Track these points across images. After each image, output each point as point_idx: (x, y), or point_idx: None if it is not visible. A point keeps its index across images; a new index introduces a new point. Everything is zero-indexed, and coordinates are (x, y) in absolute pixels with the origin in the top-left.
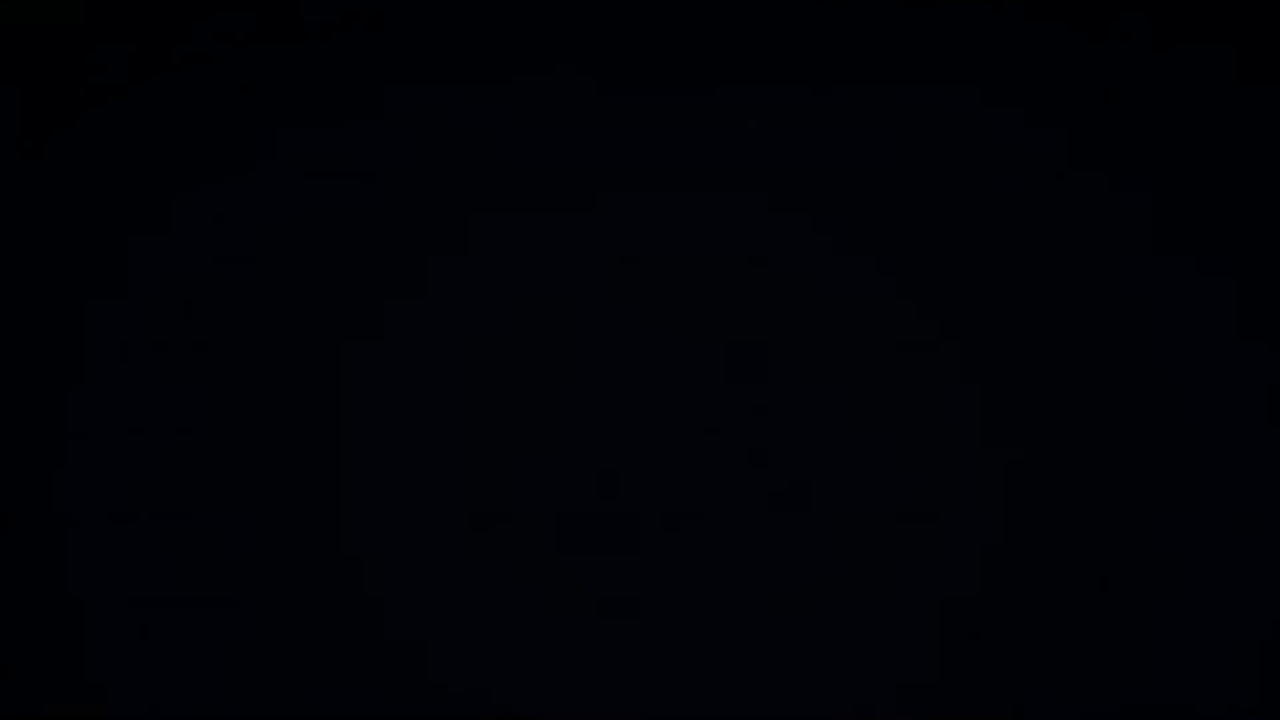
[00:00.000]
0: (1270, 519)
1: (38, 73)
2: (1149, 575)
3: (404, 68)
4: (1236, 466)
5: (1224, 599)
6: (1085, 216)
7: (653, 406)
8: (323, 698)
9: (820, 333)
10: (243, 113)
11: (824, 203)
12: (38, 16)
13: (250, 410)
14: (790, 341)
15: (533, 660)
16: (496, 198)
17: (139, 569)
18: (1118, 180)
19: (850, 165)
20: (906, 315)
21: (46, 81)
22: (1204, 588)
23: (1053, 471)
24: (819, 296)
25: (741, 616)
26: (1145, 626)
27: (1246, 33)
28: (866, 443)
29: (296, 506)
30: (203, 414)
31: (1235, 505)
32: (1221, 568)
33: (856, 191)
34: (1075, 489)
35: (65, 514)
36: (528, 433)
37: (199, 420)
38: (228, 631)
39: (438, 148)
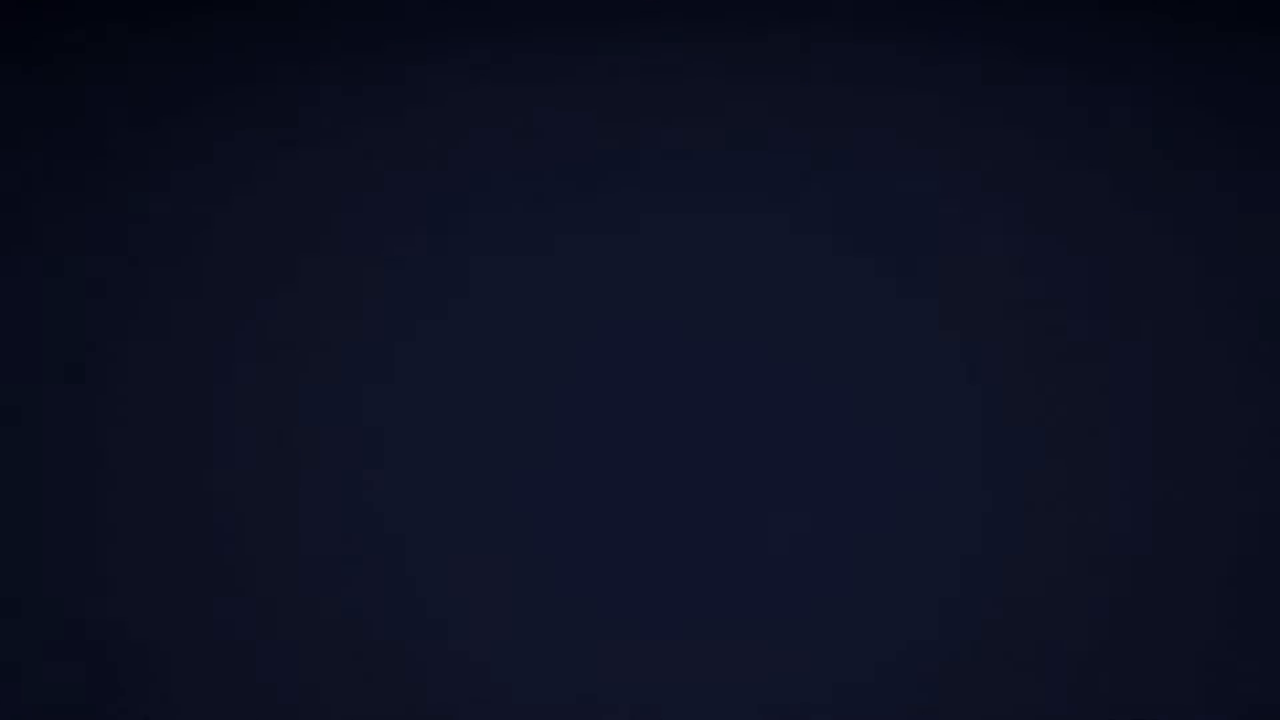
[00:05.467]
0: None
1: None
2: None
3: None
4: None
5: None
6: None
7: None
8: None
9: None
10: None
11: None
12: None
13: (253, 409)
14: (792, 342)
15: (530, 661)
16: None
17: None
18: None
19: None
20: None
21: None
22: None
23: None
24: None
25: (744, 616)
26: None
27: None
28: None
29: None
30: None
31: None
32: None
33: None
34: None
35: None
36: (530, 438)
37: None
38: (229, 632)
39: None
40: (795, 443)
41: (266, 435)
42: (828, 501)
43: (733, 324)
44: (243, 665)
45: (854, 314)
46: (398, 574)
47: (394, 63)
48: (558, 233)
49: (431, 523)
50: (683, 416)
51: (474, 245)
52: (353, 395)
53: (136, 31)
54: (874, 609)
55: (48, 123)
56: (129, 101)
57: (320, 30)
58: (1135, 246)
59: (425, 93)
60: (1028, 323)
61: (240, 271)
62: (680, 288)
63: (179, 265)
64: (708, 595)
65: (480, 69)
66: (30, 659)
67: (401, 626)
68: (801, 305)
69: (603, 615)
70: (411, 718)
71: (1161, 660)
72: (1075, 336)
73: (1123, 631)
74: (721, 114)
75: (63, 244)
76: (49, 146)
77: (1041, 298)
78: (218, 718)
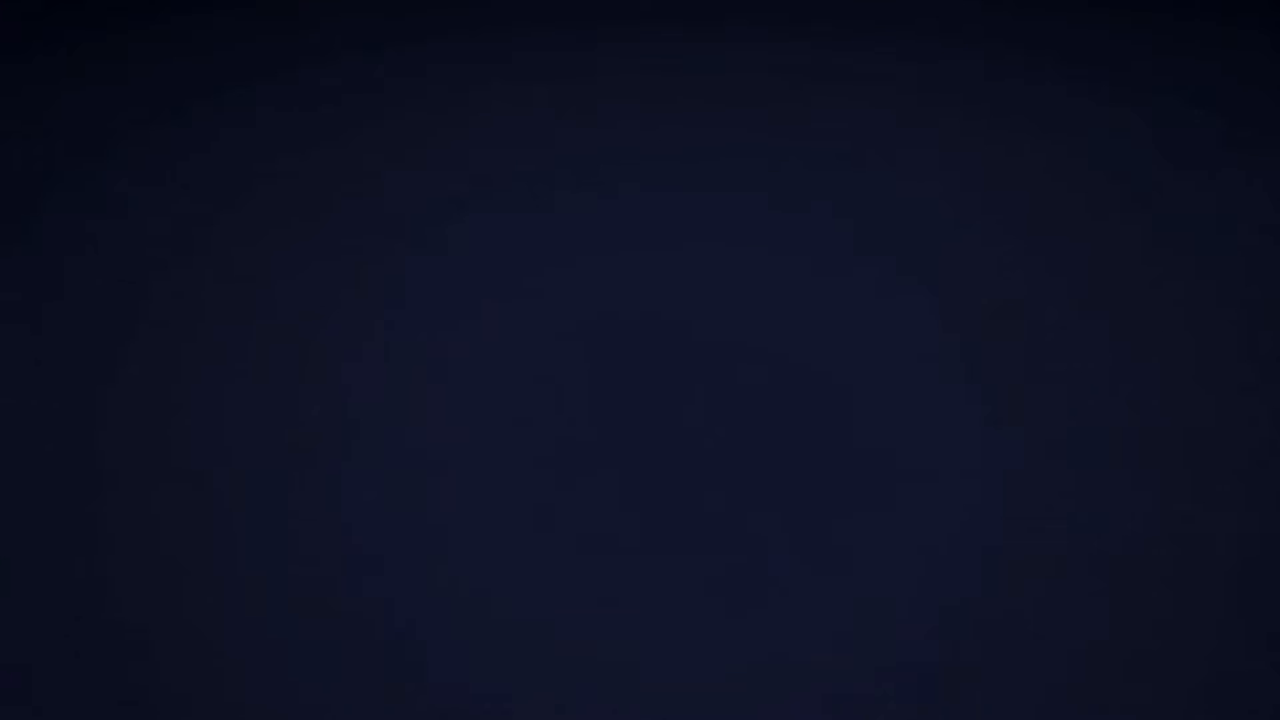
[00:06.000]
0: None
1: None
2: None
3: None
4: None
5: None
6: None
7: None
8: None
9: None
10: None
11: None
12: None
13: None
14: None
15: (533, 662)
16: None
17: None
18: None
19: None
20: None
21: None
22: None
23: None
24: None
25: (743, 615)
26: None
27: None
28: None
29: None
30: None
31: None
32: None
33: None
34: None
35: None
36: (541, 431)
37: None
38: (231, 630)
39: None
40: (794, 442)
41: (265, 433)
42: (827, 501)
43: (732, 321)
44: (242, 666)
45: (854, 312)
46: (395, 575)
47: (393, 62)
48: (557, 231)
49: (430, 522)
50: (681, 416)
51: (473, 243)
52: (351, 393)
53: (135, 31)
54: (872, 607)
55: (47, 122)
56: (128, 101)
57: (319, 30)
58: (1135, 246)
59: (425, 92)
60: (1028, 322)
61: (239, 270)
62: (679, 285)
63: (178, 263)
64: (708, 594)
65: (480, 69)
66: (34, 659)
67: (401, 626)
68: (802, 303)
69: (601, 615)
70: (412, 717)
71: (1161, 660)
72: (1075, 335)
73: (1123, 631)
74: (722, 114)
75: (62, 244)
76: (48, 146)
77: (1041, 297)
78: (217, 717)
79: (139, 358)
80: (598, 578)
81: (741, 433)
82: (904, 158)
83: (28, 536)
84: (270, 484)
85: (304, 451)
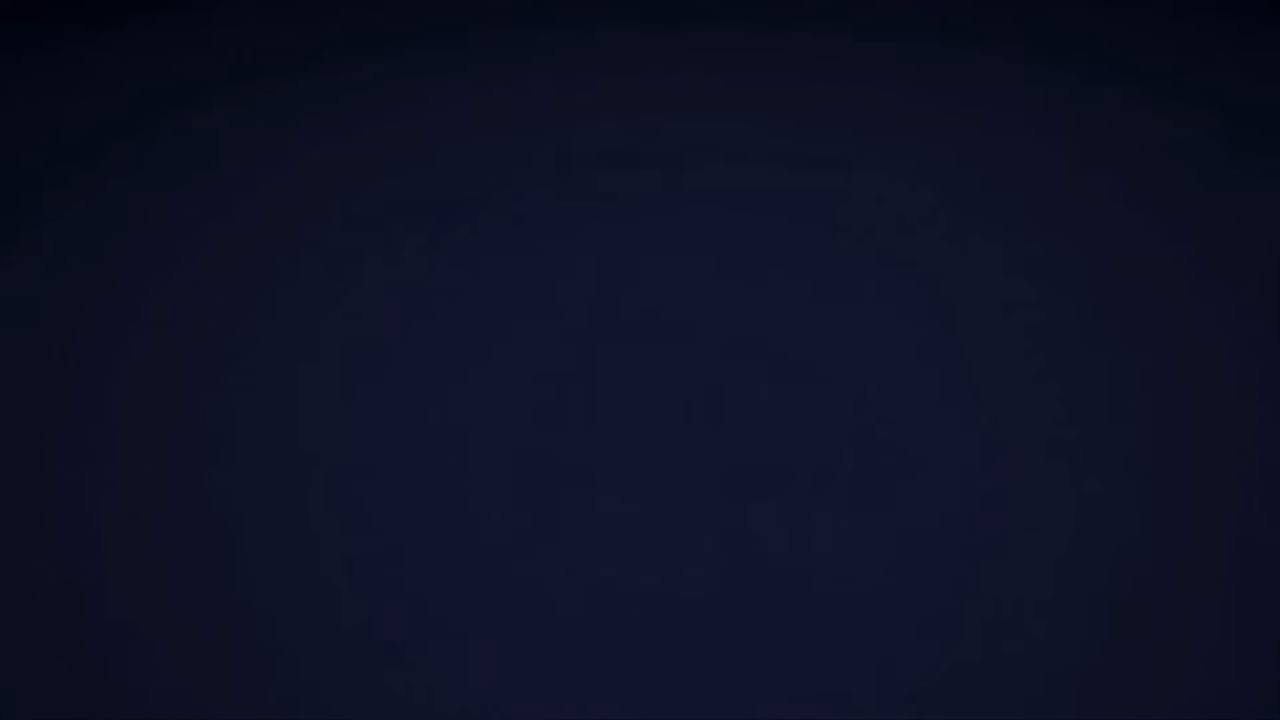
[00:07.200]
0: None
1: None
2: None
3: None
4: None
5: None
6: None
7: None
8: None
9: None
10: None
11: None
12: None
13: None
14: (789, 342)
15: (531, 663)
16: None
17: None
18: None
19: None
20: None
21: None
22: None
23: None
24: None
25: (745, 615)
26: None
27: None
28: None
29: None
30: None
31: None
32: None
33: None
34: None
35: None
36: (535, 433)
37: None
38: (230, 630)
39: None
40: (793, 442)
41: (264, 432)
42: (826, 500)
43: (732, 323)
44: (241, 667)
45: (854, 312)
46: (395, 576)
47: (393, 62)
48: (557, 231)
49: (430, 522)
50: (680, 416)
51: (473, 243)
52: (350, 393)
53: (135, 31)
54: (871, 606)
55: (47, 122)
56: (128, 101)
57: (319, 30)
58: (1136, 246)
59: (424, 92)
60: (1027, 322)
61: (239, 270)
62: (679, 286)
63: (179, 263)
64: (706, 598)
65: (480, 69)
66: (31, 659)
67: (400, 626)
68: (801, 304)
69: (601, 614)
70: (412, 717)
71: (1161, 661)
72: (1075, 336)
73: (1123, 631)
74: (722, 114)
75: (62, 244)
76: (48, 146)
77: (1040, 297)
78: (216, 716)
79: (139, 358)
80: (597, 576)
81: (741, 433)
82: (904, 158)
83: (27, 537)
84: (269, 483)
85: (303, 451)
